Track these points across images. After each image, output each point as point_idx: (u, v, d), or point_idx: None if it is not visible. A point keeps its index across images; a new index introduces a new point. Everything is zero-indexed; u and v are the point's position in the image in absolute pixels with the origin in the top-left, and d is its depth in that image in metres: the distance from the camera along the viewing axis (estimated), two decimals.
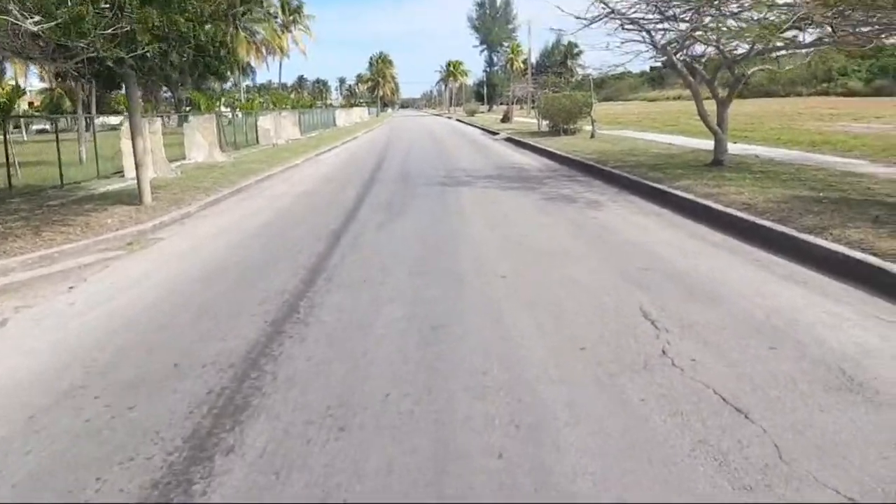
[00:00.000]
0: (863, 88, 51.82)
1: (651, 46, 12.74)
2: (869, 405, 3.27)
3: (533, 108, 39.84)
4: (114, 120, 33.89)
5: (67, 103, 37.85)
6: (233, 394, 3.68)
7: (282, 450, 3.06)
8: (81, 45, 7.65)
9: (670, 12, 11.95)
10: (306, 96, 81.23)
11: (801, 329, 4.33)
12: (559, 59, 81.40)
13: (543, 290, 5.51)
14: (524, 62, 72.36)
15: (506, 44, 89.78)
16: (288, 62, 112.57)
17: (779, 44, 11.40)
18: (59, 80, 35.83)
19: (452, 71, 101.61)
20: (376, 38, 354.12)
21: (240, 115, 30.08)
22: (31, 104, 48.15)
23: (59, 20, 6.90)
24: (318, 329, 4.69)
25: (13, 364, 4.27)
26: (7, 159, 13.53)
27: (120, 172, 15.06)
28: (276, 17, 48.98)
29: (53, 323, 5.11)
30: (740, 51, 12.40)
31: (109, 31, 7.22)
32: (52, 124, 28.64)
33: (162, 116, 27.28)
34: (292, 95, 67.91)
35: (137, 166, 10.84)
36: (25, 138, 35.84)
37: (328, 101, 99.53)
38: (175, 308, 5.40)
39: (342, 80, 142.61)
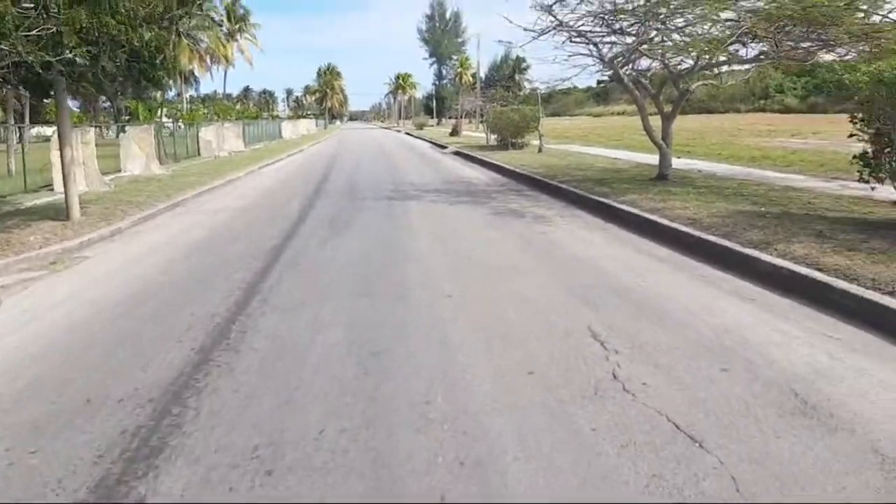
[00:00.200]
0: (798, 105, 53.88)
1: (598, 60, 12.83)
2: (824, 430, 3.16)
3: (482, 121, 39.99)
4: (49, 130, 32.40)
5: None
6: (149, 433, 3.33)
7: (201, 499, 2.74)
8: (3, 47, 7.13)
9: (617, 25, 12.06)
10: (252, 107, 79.77)
11: (751, 348, 4.24)
12: (508, 73, 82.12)
13: (491, 308, 5.31)
14: (473, 76, 72.82)
15: (455, 57, 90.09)
16: (234, 72, 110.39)
17: (722, 58, 11.60)
18: None
19: (402, 84, 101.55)
20: (325, 49, 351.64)
21: (181, 125, 29.20)
22: None
23: None
24: (248, 357, 4.36)
25: None
26: None
27: (49, 186, 14.28)
28: (221, 25, 48.02)
29: None
30: (685, 65, 12.59)
31: (34, 32, 6.71)
32: None
33: (99, 126, 26.26)
34: (237, 106, 66.61)
35: (65, 179, 10.24)
36: None
37: (275, 113, 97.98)
38: (95, 334, 4.98)
39: (289, 92, 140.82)
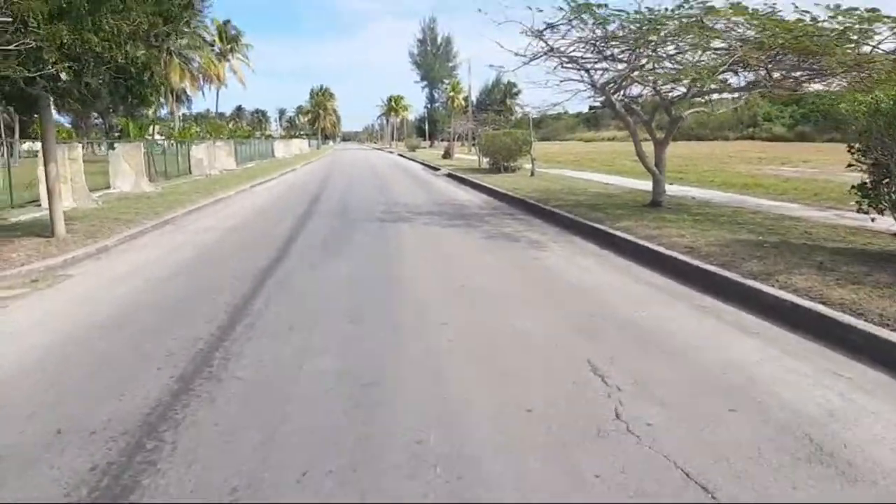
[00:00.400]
0: (786, 133, 54.49)
1: (590, 86, 12.77)
2: (843, 480, 2.96)
3: (474, 144, 40.01)
4: (39, 145, 32.14)
5: None
6: (121, 470, 3.10)
7: None
8: None
9: (608, 52, 12.02)
10: (245, 126, 79.73)
11: (759, 387, 4.05)
12: (499, 97, 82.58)
13: (487, 340, 5.11)
14: (465, 99, 73.11)
15: (446, 81, 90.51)
16: (226, 91, 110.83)
17: (713, 86, 11.57)
18: None
19: (394, 106, 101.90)
20: (318, 70, 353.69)
21: (172, 143, 28.99)
22: None
23: None
24: (231, 387, 4.13)
25: None
26: None
27: (37, 201, 14.02)
28: (212, 45, 48.09)
29: None
30: (677, 93, 12.57)
31: (13, 47, 6.52)
32: None
33: (90, 143, 26.04)
34: (230, 125, 66.53)
35: (49, 195, 10.01)
36: None
37: (267, 132, 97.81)
38: (71, 359, 4.74)
39: (282, 112, 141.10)
